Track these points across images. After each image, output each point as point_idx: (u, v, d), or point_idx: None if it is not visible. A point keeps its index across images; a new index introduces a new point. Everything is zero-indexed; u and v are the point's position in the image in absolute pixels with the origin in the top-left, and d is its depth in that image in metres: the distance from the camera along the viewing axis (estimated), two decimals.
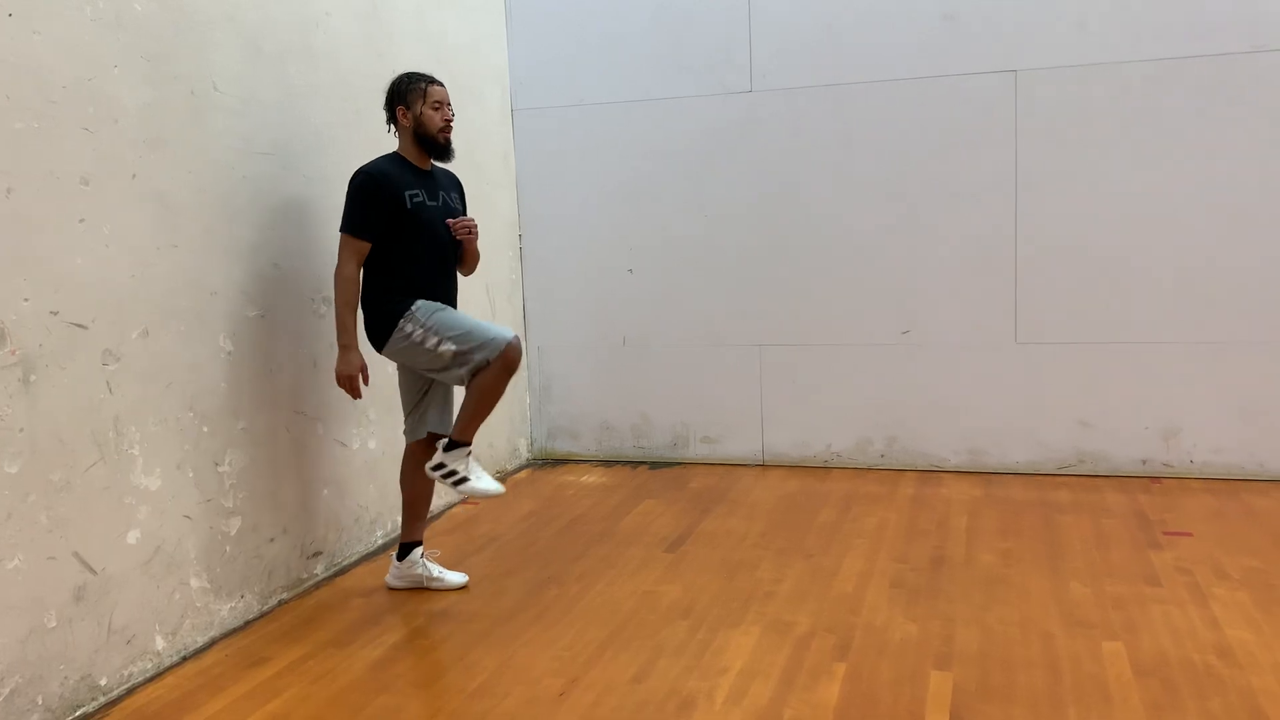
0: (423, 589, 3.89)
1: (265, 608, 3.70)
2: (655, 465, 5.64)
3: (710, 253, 5.53)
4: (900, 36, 5.12)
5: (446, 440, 3.66)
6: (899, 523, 4.46)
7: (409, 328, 3.58)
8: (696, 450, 5.66)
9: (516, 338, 3.57)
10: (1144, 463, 5.01)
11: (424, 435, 3.81)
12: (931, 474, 5.24)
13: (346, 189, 3.62)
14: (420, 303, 3.61)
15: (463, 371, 3.57)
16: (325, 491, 4.06)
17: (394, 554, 3.95)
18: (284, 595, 3.80)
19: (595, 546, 4.30)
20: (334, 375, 3.70)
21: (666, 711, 2.85)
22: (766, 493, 5.04)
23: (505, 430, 5.63)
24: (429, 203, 3.69)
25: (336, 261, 3.59)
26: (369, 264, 3.64)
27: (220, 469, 3.49)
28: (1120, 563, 3.86)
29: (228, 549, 3.53)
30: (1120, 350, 5.00)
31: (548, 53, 5.64)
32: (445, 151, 3.75)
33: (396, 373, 3.91)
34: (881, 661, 3.11)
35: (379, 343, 3.67)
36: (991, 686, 2.92)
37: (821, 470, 5.40)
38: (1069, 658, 3.08)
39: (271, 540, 3.74)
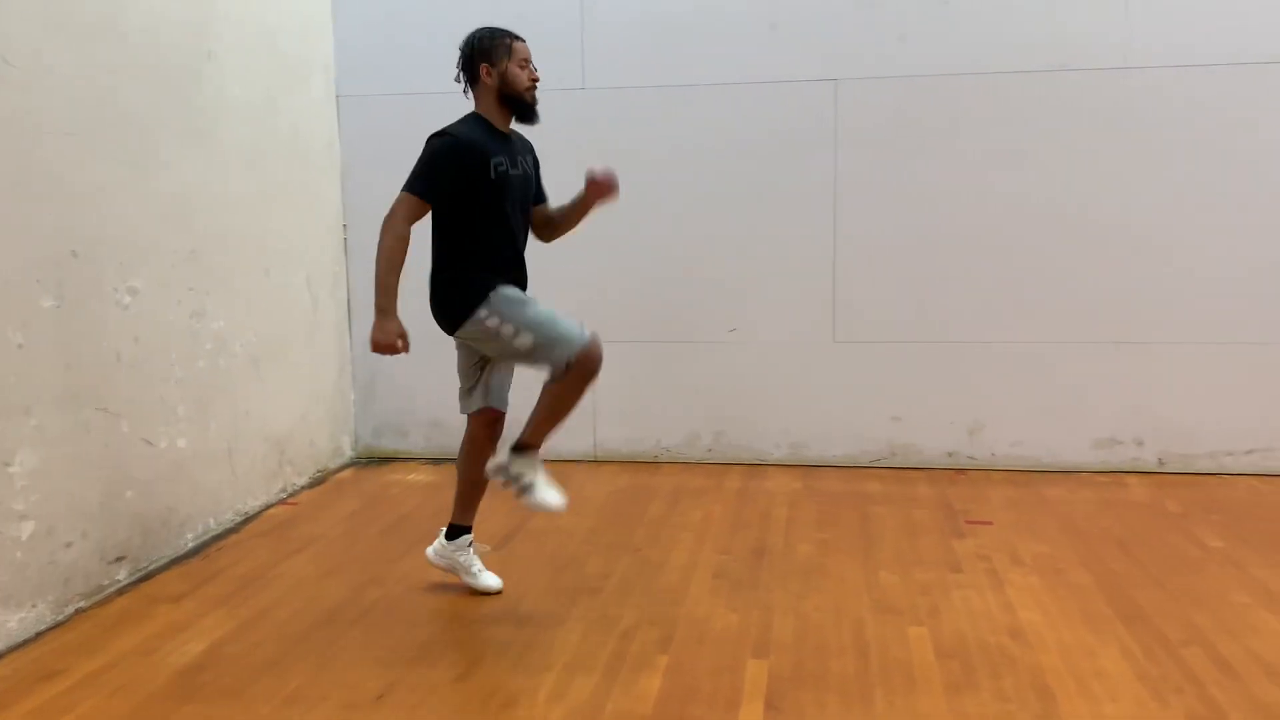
0: (454, 579, 3.73)
1: (60, 617, 3.47)
2: None
3: (545, 248, 5.48)
4: (729, 42, 5.23)
5: (514, 443, 3.39)
6: (724, 515, 4.56)
7: (486, 315, 3.31)
8: None
9: (596, 336, 3.29)
10: (950, 455, 5.30)
11: (481, 408, 3.57)
12: (756, 467, 5.39)
13: (424, 148, 3.34)
14: (500, 289, 3.34)
15: (539, 367, 3.33)
16: (129, 493, 3.84)
17: (442, 530, 3.75)
18: (82, 603, 3.57)
19: (421, 545, 4.20)
20: (369, 343, 3.34)
21: (489, 711, 2.83)
22: (598, 488, 5.06)
23: (328, 427, 5.46)
24: (511, 171, 3.42)
25: (387, 218, 3.29)
26: (442, 235, 3.38)
27: (9, 469, 3.25)
28: (927, 551, 4.07)
29: (18, 555, 3.29)
30: (931, 349, 5.27)
31: (376, 39, 5.49)
32: (533, 112, 3.47)
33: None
34: (702, 651, 3.18)
35: (451, 325, 3.40)
36: (805, 673, 3.03)
37: (652, 465, 5.48)
38: (877, 643, 3.22)
39: (69, 545, 3.51)
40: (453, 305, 3.38)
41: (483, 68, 3.42)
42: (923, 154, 5.15)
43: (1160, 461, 5.13)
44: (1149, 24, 4.90)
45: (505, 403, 3.62)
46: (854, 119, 5.17)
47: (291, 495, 4.99)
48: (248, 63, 4.65)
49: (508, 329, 3.29)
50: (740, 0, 5.21)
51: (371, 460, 5.71)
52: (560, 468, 5.39)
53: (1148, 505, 4.63)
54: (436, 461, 5.61)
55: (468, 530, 3.72)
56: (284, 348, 4.98)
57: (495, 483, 3.47)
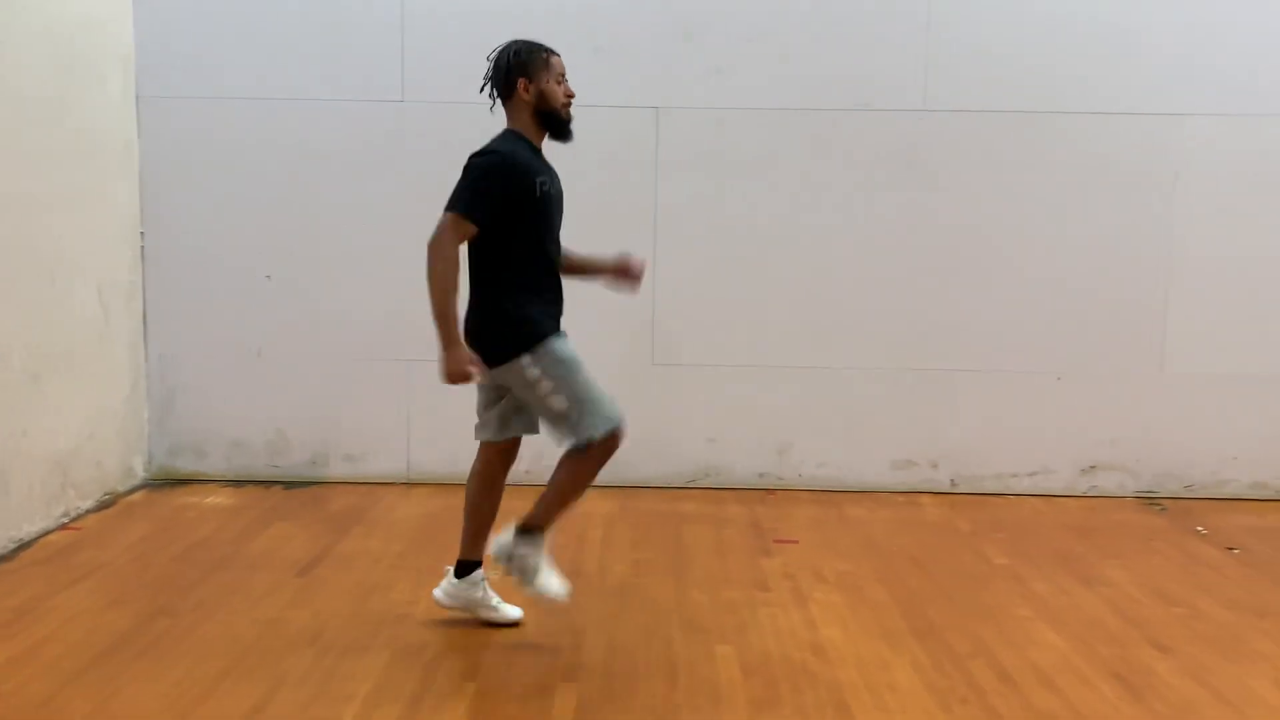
0: (473, 616, 3.48)
1: None
2: (291, 485, 5.35)
3: (357, 263, 5.36)
4: None
5: (520, 523, 3.26)
6: None
7: (529, 364, 3.15)
8: (338, 469, 5.44)
9: (620, 424, 3.22)
10: (761, 476, 5.44)
11: (500, 438, 3.41)
12: None
13: (466, 167, 3.17)
14: (551, 341, 3.19)
15: (561, 433, 3.21)
16: None
17: (449, 568, 3.50)
18: None
19: (217, 573, 4.00)
20: (439, 378, 3.15)
21: None
22: (410, 512, 4.94)
23: (117, 447, 5.11)
24: (553, 190, 3.29)
25: (432, 246, 3.10)
26: (485, 259, 3.18)
27: None
28: (736, 570, 4.16)
29: None
30: (744, 372, 5.41)
31: (182, 37, 5.22)
32: (569, 130, 3.34)
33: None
34: (511, 677, 3.14)
35: (492, 359, 3.18)
36: (614, 695, 3.03)
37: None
38: (686, 662, 3.26)
39: None
40: (498, 342, 3.20)
41: (520, 82, 3.27)
42: (738, 183, 5.30)
43: (952, 482, 5.43)
44: (946, 70, 5.21)
45: (533, 427, 3.45)
46: (674, 146, 5.27)
47: (75, 520, 4.64)
48: (31, 56, 4.33)
49: (546, 385, 3.16)
50: (564, 22, 5.23)
51: (166, 482, 5.38)
52: (370, 490, 5.27)
53: (941, 524, 4.89)
54: (238, 484, 5.34)
55: (478, 564, 3.50)
56: (69, 361, 4.63)
57: (497, 566, 3.32)
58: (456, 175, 5.18)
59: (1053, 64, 5.21)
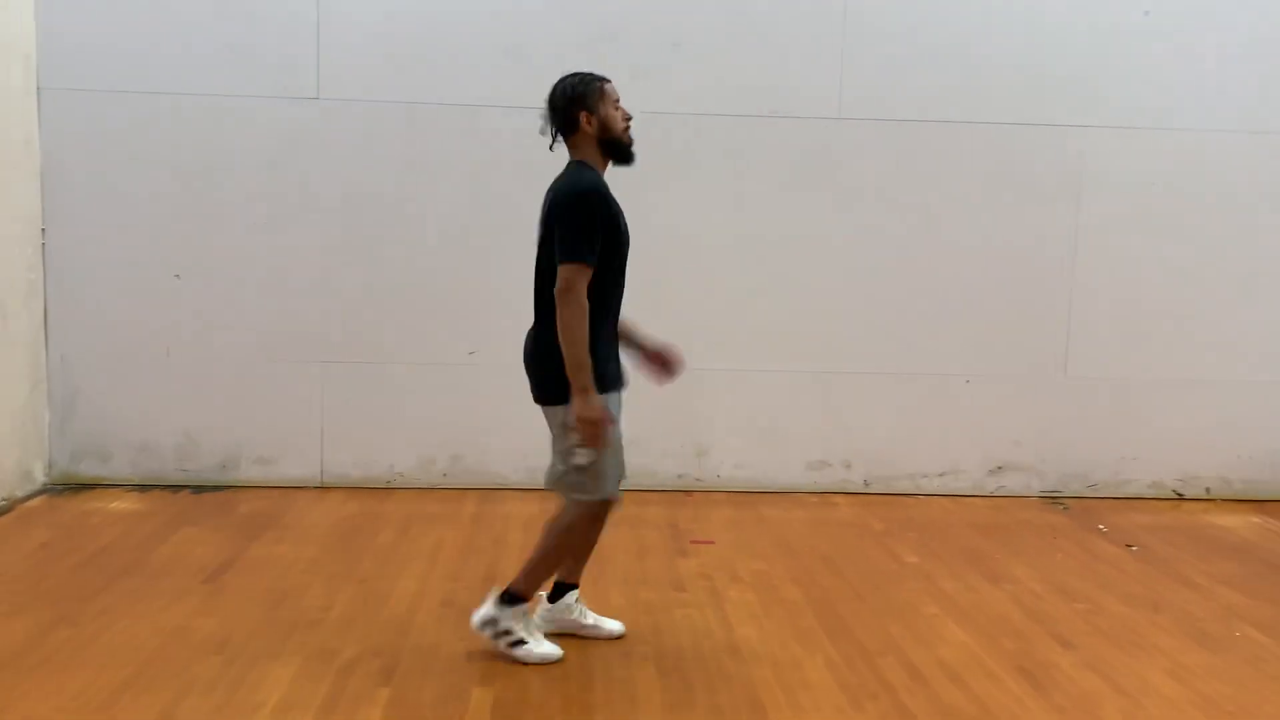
0: (575, 636, 3.42)
1: None
2: (200, 489, 5.22)
3: (271, 264, 5.25)
4: (470, 64, 5.22)
5: (503, 593, 3.24)
6: (457, 541, 4.49)
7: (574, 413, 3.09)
8: (249, 472, 5.33)
9: (614, 498, 3.27)
10: (680, 477, 5.48)
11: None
12: (494, 491, 5.34)
13: (564, 209, 3.08)
14: (606, 399, 3.13)
15: (565, 485, 3.20)
16: None
17: (543, 594, 3.43)
18: None
19: (120, 580, 3.89)
20: (581, 426, 3.07)
21: None
22: (323, 516, 4.85)
23: (15, 451, 4.93)
24: (624, 224, 3.26)
25: (566, 297, 3.03)
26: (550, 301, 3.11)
27: None
28: (654, 571, 4.18)
29: None
30: None
31: (87, 28, 5.06)
32: (632, 155, 3.30)
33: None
34: (426, 683, 3.10)
35: (543, 395, 3.18)
36: (530, 699, 3.02)
37: (384, 491, 5.31)
38: (602, 664, 3.27)
39: None
40: (558, 381, 3.12)
41: (582, 115, 3.22)
42: (657, 188, 5.31)
43: (866, 483, 5.53)
44: (861, 79, 5.31)
45: (547, 486, 3.41)
46: None
47: None
48: None
49: (577, 437, 3.12)
50: (479, 24, 5.21)
51: (69, 488, 5.20)
52: (283, 494, 5.17)
53: (854, 524, 4.98)
54: (145, 488, 5.19)
55: (574, 587, 3.48)
56: None
57: (482, 636, 3.27)
58: (373, 175, 5.20)
59: (963, 76, 5.35)
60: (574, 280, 3.05)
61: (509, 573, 4.07)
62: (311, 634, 3.44)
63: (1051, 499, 5.51)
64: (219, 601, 3.70)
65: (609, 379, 3.20)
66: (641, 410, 5.39)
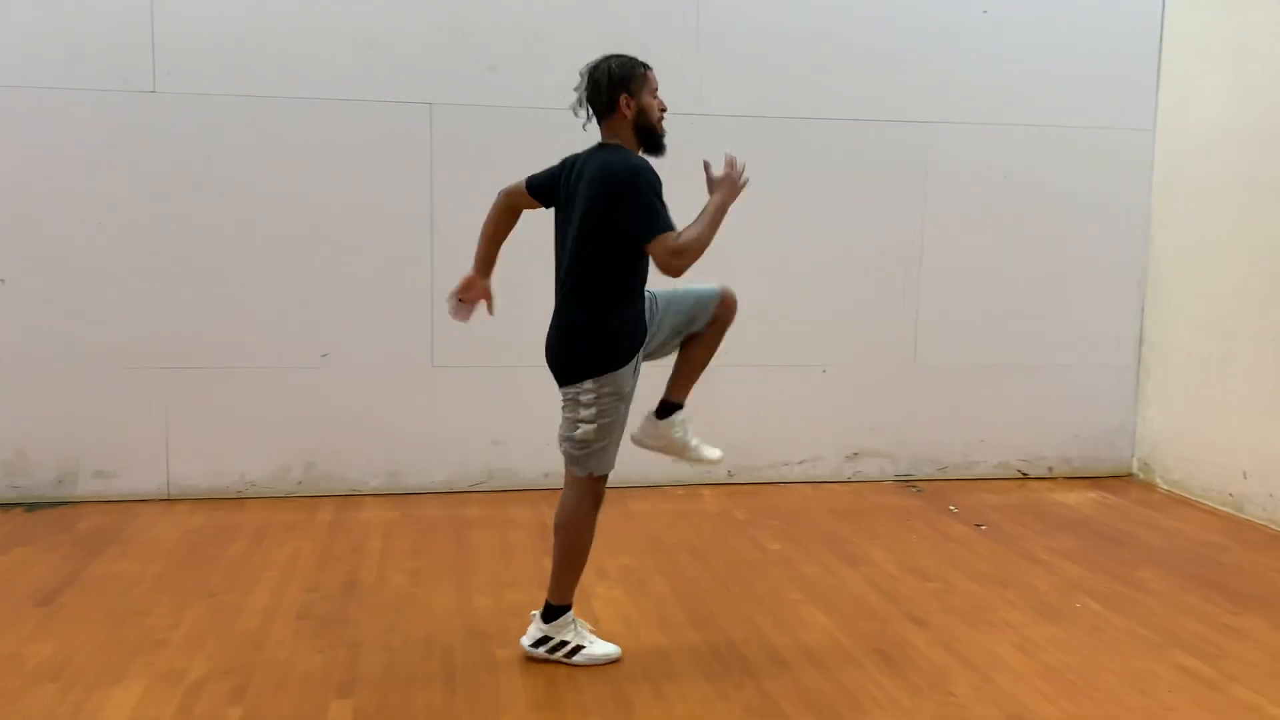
0: (676, 458, 3.57)
1: None
2: (34, 507, 4.90)
3: (108, 267, 4.97)
4: (323, 56, 5.05)
5: (542, 610, 3.30)
6: (313, 551, 4.35)
7: (591, 388, 3.18)
8: (88, 487, 5.03)
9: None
10: (547, 476, 5.42)
11: (677, 339, 3.43)
12: (351, 498, 5.19)
13: (632, 185, 3.08)
14: (621, 375, 3.21)
15: (566, 451, 3.27)
16: None
17: (652, 411, 3.43)
18: None
19: None
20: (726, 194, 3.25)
21: None
22: (170, 529, 4.63)
23: None
24: None
25: (680, 260, 3.07)
26: (607, 274, 3.17)
27: None
28: (520, 572, 4.14)
29: None
30: (527, 373, 5.35)
31: None
32: (663, 145, 3.29)
33: None
34: (281, 698, 2.99)
35: (570, 375, 3.22)
36: (391, 708, 2.95)
37: (235, 501, 5.09)
38: (466, 669, 3.22)
39: None
40: (581, 359, 3.20)
41: (622, 98, 3.22)
42: (511, 179, 5.25)
43: (730, 474, 5.61)
44: (717, 75, 5.37)
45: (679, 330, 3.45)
46: (448, 143, 5.19)
47: None
48: None
49: (589, 413, 3.18)
50: (337, 16, 5.05)
51: None
52: (126, 508, 4.92)
53: (719, 514, 5.04)
54: None
55: (680, 406, 3.47)
56: None
57: (538, 655, 3.27)
58: (213, 170, 4.98)
59: (813, 73, 5.47)
60: (672, 252, 3.07)
61: (369, 580, 3.99)
62: (157, 654, 3.27)
63: (905, 482, 5.70)
64: (55, 625, 3.48)
65: (624, 353, 3.22)
66: (503, 409, 5.36)
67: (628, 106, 3.24)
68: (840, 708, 3.01)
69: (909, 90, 5.58)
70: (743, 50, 5.40)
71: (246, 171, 5.04)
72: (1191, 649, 3.47)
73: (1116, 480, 5.84)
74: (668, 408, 3.44)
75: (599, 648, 3.28)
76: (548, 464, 5.42)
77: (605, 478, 3.33)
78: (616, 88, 3.22)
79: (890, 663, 3.33)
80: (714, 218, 3.17)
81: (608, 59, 3.27)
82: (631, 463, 5.43)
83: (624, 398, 3.24)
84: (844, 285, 5.60)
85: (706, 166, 3.38)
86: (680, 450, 3.54)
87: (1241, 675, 3.27)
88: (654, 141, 3.32)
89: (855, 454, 5.71)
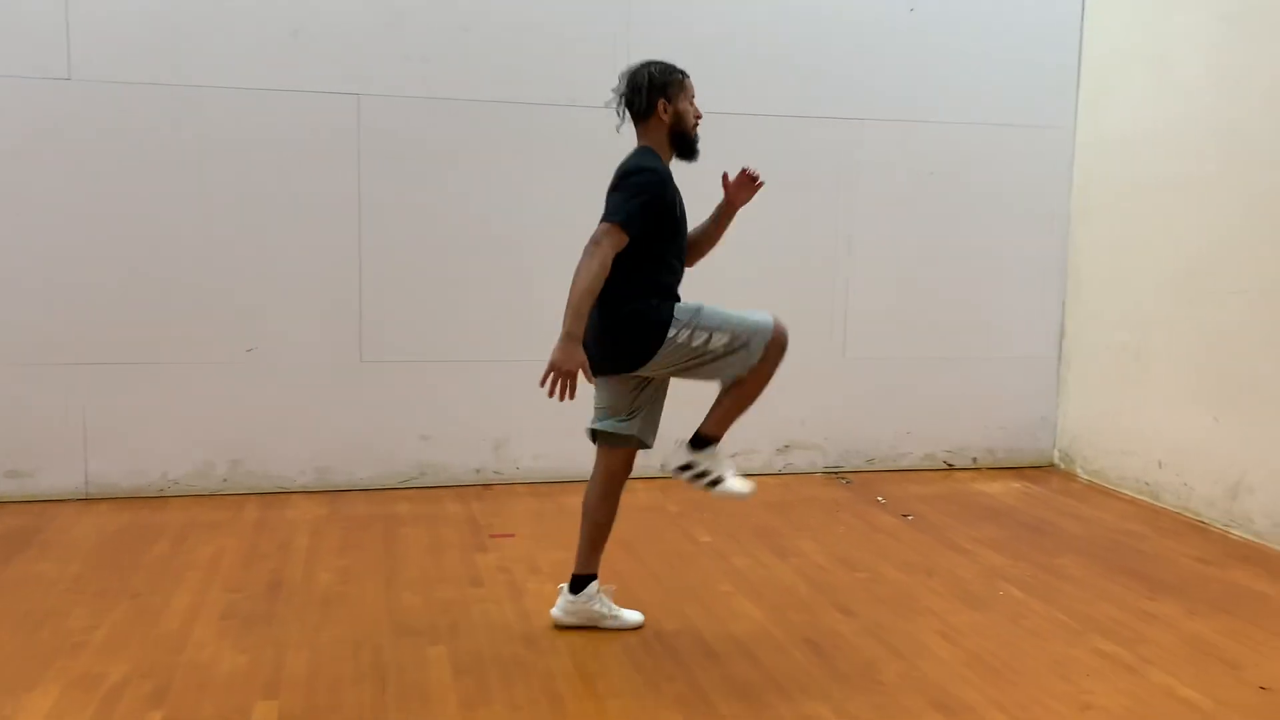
0: (595, 628, 3.45)
1: None
2: None
3: (18, 259, 4.81)
4: (246, 44, 4.94)
5: (693, 436, 3.40)
6: (238, 550, 4.26)
7: (676, 333, 3.25)
8: (2, 487, 4.87)
9: (777, 319, 3.35)
10: (478, 471, 5.40)
11: (630, 445, 3.48)
12: (278, 496, 5.10)
13: (623, 179, 3.25)
14: (676, 305, 3.31)
15: (734, 361, 3.28)
16: None
17: (563, 586, 3.47)
18: None
19: None
20: (542, 370, 3.17)
21: None
22: (89, 530, 4.50)
23: None
24: (683, 208, 3.40)
25: (591, 248, 3.15)
26: (627, 271, 3.22)
27: None
28: (450, 568, 4.10)
29: None
30: (457, 367, 5.34)
31: None
32: (697, 151, 3.40)
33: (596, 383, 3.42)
34: (204, 701, 2.93)
35: (644, 355, 3.27)
36: (318, 708, 2.90)
37: (158, 500, 4.97)
38: (395, 667, 3.18)
39: None
40: (644, 335, 3.28)
41: (660, 103, 3.34)
42: (441, 173, 5.22)
43: (663, 466, 5.57)
44: None
45: (651, 436, 3.54)
46: (377, 135, 5.11)
47: None
48: None
49: (700, 336, 3.26)
50: (258, 2, 4.94)
51: None
52: (42, 508, 4.77)
53: (652, 507, 5.05)
54: None
55: (593, 578, 3.47)
56: None
57: (680, 479, 3.45)
58: (131, 160, 4.85)
59: (741, 68, 5.50)
60: (604, 238, 3.18)
61: (296, 578, 3.92)
62: (74, 658, 3.18)
63: (835, 474, 5.78)
64: None
65: (666, 320, 3.31)
66: (435, 404, 5.31)
67: (665, 111, 3.36)
68: (770, 697, 3.05)
69: (836, 88, 5.64)
70: (670, 45, 5.38)
71: (166, 162, 4.91)
72: (1109, 634, 3.57)
73: (1038, 470, 5.99)
74: (703, 441, 3.46)
75: (737, 483, 3.45)
76: (479, 459, 5.40)
77: (780, 328, 3.37)
78: (655, 92, 3.35)
79: (819, 652, 3.37)
80: (570, 310, 3.18)
81: (648, 64, 3.40)
82: (562, 455, 5.45)
83: (696, 305, 3.34)
84: (774, 280, 5.64)
85: (725, 177, 3.52)
86: (599, 622, 3.51)
87: (1156, 659, 3.37)
88: (687, 146, 3.43)
89: (786, 447, 5.77)
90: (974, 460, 6.01)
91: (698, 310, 3.32)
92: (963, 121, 5.78)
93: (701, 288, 5.48)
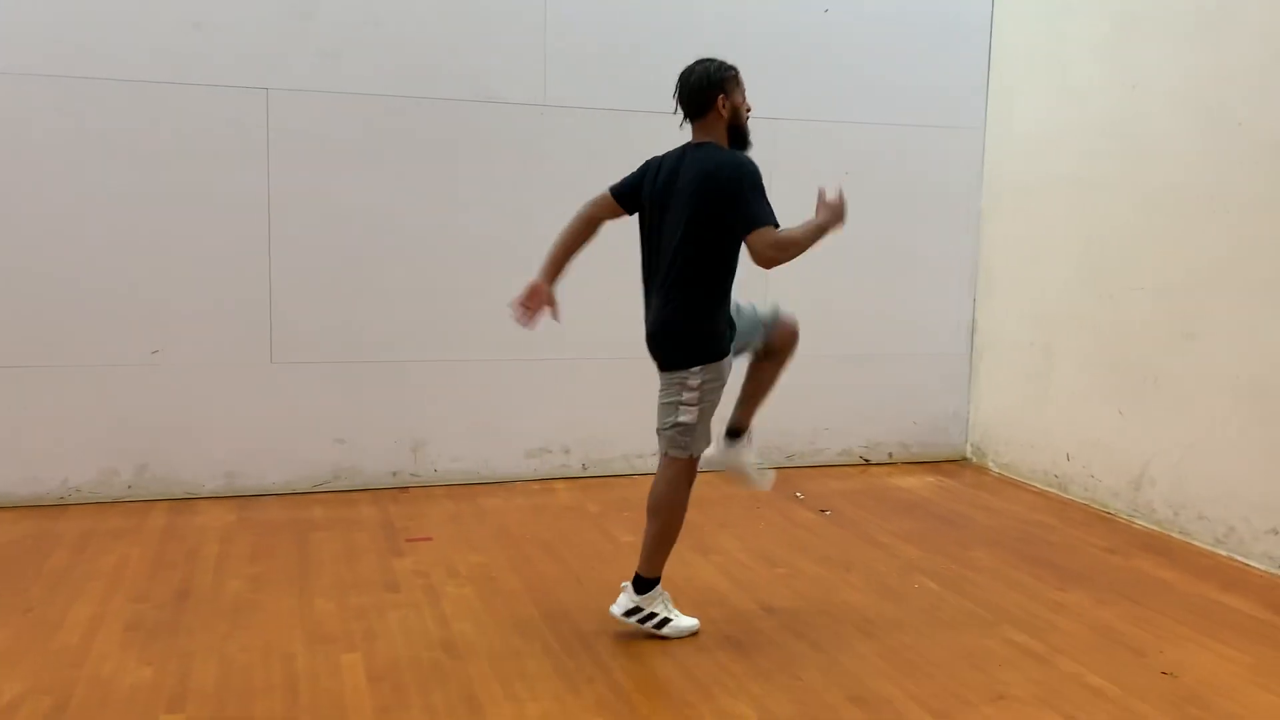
0: (740, 481, 3.86)
1: None
2: None
3: None
4: (147, 37, 4.77)
5: (633, 580, 3.50)
6: (143, 558, 4.11)
7: (696, 374, 3.41)
8: None
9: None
10: (395, 475, 5.30)
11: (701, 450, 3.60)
12: (186, 502, 4.94)
13: (738, 179, 3.28)
14: (724, 363, 3.46)
15: (668, 438, 3.49)
16: None
17: (722, 435, 3.70)
18: None
19: None
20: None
21: None
22: None
23: None
24: None
25: (779, 253, 3.28)
26: (709, 267, 3.37)
27: None
28: (365, 574, 4.01)
29: None
30: (373, 368, 5.23)
31: None
32: (750, 143, 3.49)
33: None
34: (106, 716, 2.82)
35: (676, 363, 3.43)
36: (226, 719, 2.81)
37: (56, 509, 4.76)
38: (308, 676, 3.10)
39: None
40: (690, 350, 3.42)
41: (719, 99, 3.41)
42: (354, 170, 5.11)
43: (584, 466, 5.60)
44: (561, 68, 5.33)
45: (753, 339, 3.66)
46: (286, 130, 4.98)
47: None
48: None
49: (692, 397, 3.41)
50: None
51: None
52: None
53: (572, 508, 5.02)
54: None
55: (659, 581, 3.51)
56: None
57: (627, 625, 3.47)
58: (25, 156, 4.66)
59: (662, 70, 5.46)
60: (772, 244, 3.27)
61: (204, 587, 3.80)
62: None
63: (756, 469, 5.80)
64: None
65: (728, 342, 3.47)
66: (350, 406, 5.19)
67: (723, 106, 3.43)
68: (690, 696, 3.04)
69: (752, 86, 5.61)
70: (585, 46, 5.38)
71: (67, 158, 4.71)
72: (1021, 624, 3.65)
73: (952, 464, 6.11)
74: (735, 433, 3.74)
75: (683, 621, 3.48)
76: (396, 462, 5.31)
77: (699, 458, 3.53)
78: (714, 89, 3.43)
79: (740, 649, 3.38)
80: (814, 233, 3.35)
81: (704, 62, 3.47)
82: (480, 456, 5.39)
83: (723, 384, 3.49)
84: None
85: (821, 194, 3.54)
86: (744, 472, 3.83)
87: (1066, 647, 3.46)
88: (743, 138, 3.52)
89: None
90: (889, 455, 6.10)
91: (718, 388, 3.48)
92: (877, 121, 5.86)
93: (623, 282, 5.49)
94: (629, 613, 3.45)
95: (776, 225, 3.29)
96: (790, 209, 5.70)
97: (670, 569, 4.11)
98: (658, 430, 3.55)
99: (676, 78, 3.49)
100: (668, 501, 3.50)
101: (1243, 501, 4.42)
